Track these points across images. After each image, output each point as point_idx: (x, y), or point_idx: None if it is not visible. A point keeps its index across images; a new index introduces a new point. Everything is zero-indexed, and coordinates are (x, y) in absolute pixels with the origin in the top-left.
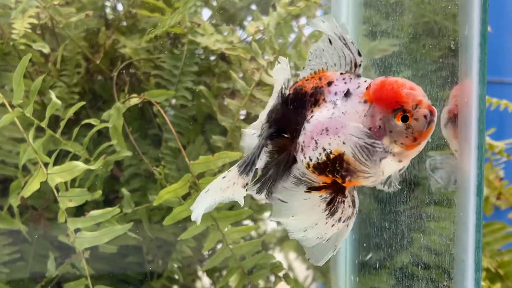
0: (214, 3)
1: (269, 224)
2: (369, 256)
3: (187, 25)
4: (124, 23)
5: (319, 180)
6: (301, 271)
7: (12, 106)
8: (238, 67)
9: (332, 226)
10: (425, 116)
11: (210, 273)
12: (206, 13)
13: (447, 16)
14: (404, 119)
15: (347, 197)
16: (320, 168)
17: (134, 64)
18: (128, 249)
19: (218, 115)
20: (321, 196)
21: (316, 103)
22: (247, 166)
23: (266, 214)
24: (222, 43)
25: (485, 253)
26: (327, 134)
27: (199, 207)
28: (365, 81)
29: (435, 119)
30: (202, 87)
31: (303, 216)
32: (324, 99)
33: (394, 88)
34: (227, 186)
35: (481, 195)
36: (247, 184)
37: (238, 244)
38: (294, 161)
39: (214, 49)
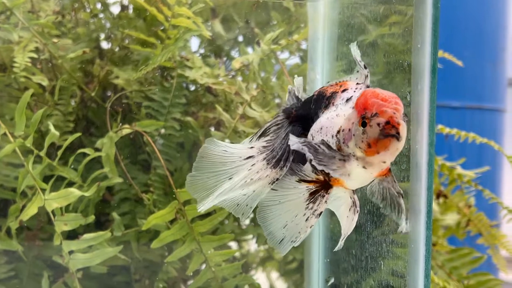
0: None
1: (252, 245)
2: (331, 281)
3: (177, 59)
4: (117, 54)
5: (313, 176)
6: None
7: (13, 135)
8: (224, 99)
9: (307, 219)
10: (378, 124)
11: None
12: (195, 42)
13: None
14: (363, 124)
15: (329, 194)
16: (312, 164)
17: (126, 95)
18: (116, 269)
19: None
20: (307, 187)
21: (327, 105)
22: (280, 162)
23: (250, 236)
24: (209, 77)
25: (452, 277)
26: (320, 133)
27: (210, 202)
28: None
29: (399, 134)
30: (189, 118)
31: (287, 204)
32: (333, 103)
33: (367, 97)
34: (258, 178)
35: (430, 229)
36: (277, 179)
37: (220, 266)
38: None
39: (201, 83)
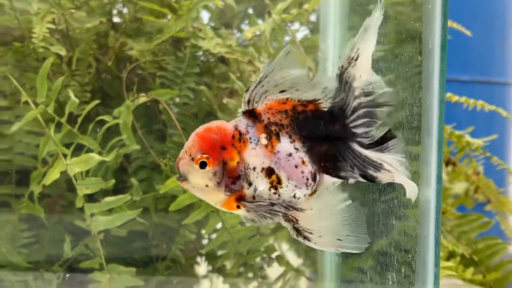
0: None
1: None
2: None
3: (190, 30)
4: (131, 26)
5: None
6: (293, 261)
7: (34, 103)
8: (237, 69)
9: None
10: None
11: (209, 257)
12: (205, 15)
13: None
14: None
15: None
16: None
17: (141, 65)
18: (135, 235)
19: (218, 113)
20: None
21: None
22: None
23: None
24: (221, 47)
25: (461, 241)
26: None
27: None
28: None
29: (181, 174)
30: (203, 87)
31: None
32: None
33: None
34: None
35: (441, 177)
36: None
37: (235, 228)
38: None
39: (214, 53)
